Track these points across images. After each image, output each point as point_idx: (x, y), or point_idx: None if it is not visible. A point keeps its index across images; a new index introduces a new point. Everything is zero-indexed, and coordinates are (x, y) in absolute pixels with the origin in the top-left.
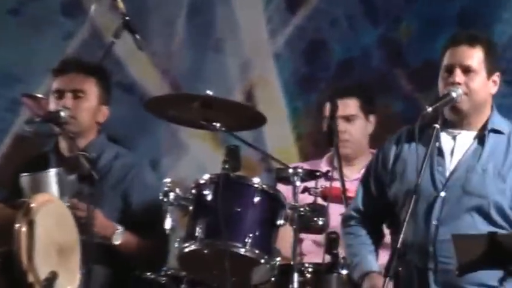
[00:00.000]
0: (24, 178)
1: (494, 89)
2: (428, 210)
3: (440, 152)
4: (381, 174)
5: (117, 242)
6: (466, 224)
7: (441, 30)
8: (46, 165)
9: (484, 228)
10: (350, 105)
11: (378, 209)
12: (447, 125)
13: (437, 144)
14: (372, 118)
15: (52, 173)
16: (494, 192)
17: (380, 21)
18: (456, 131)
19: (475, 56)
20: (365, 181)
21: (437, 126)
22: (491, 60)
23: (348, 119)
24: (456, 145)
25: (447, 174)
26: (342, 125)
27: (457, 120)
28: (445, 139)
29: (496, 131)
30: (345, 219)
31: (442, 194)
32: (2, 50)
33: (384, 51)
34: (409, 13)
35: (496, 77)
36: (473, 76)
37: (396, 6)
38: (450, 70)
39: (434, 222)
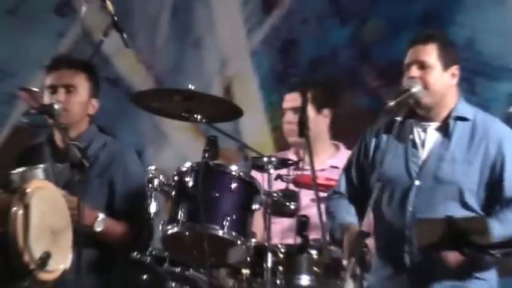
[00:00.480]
0: (14, 175)
1: (453, 81)
2: (403, 197)
3: (414, 144)
4: (363, 163)
5: (99, 229)
6: (440, 210)
7: (405, 31)
8: (41, 155)
9: (457, 212)
10: (297, 99)
11: (359, 196)
12: (419, 119)
13: (410, 136)
14: (326, 112)
15: (40, 169)
16: (463, 179)
17: (348, 22)
18: (426, 124)
19: (429, 52)
20: (347, 170)
21: (398, 119)
22: (446, 55)
23: (297, 110)
24: (427, 136)
25: (420, 164)
26: (289, 116)
27: (424, 113)
28: (417, 131)
29: (461, 118)
30: (329, 196)
31: (417, 182)
32: None
33: (351, 50)
34: (375, 14)
35: (454, 69)
36: (429, 71)
37: (363, 7)
38: (408, 67)
39: (410, 208)
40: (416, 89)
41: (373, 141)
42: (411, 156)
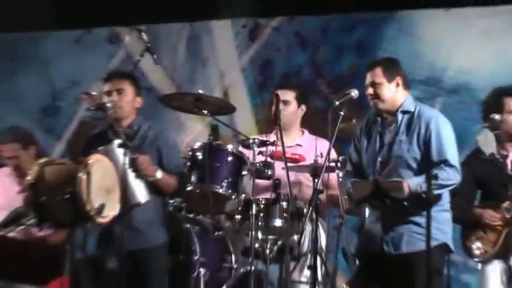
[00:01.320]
0: (100, 150)
1: (399, 88)
2: (374, 169)
3: (379, 134)
4: (357, 148)
5: (158, 176)
6: (394, 176)
7: (346, 55)
8: (107, 138)
9: (406, 176)
10: (288, 94)
11: (359, 171)
12: (381, 116)
13: (379, 128)
14: (303, 107)
15: (114, 144)
16: (407, 154)
17: (307, 48)
18: (385, 118)
19: (376, 74)
20: (350, 155)
21: (341, 113)
22: (389, 72)
23: (285, 102)
24: (386, 127)
25: (380, 146)
26: (281, 106)
27: (383, 112)
28: (381, 124)
29: (406, 112)
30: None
31: (379, 159)
32: (69, 66)
33: (310, 68)
34: (325, 43)
35: (398, 79)
36: (378, 86)
37: (316, 38)
38: (366, 87)
39: (374, 176)
40: (354, 93)
41: (359, 131)
42: (377, 141)
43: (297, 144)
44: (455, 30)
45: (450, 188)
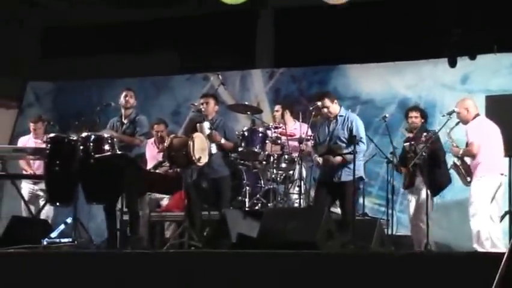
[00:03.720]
0: (198, 126)
1: (336, 105)
2: (325, 142)
3: (327, 126)
4: (318, 134)
5: (222, 142)
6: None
7: (314, 86)
8: (200, 124)
9: (342, 145)
10: (284, 106)
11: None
12: (328, 117)
13: (327, 124)
14: (292, 109)
15: (205, 124)
16: (342, 135)
17: (296, 82)
18: (330, 118)
19: (325, 100)
20: (315, 135)
21: (313, 113)
22: (330, 98)
23: (277, 111)
24: (331, 122)
25: (328, 134)
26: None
27: (330, 116)
28: (329, 121)
29: (341, 116)
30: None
31: (328, 137)
32: (183, 92)
33: (297, 92)
34: (304, 79)
35: (335, 101)
36: (329, 106)
37: (301, 77)
38: (321, 105)
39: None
40: (319, 104)
41: (319, 127)
42: (326, 129)
43: (294, 128)
44: (365, 74)
45: (362, 153)
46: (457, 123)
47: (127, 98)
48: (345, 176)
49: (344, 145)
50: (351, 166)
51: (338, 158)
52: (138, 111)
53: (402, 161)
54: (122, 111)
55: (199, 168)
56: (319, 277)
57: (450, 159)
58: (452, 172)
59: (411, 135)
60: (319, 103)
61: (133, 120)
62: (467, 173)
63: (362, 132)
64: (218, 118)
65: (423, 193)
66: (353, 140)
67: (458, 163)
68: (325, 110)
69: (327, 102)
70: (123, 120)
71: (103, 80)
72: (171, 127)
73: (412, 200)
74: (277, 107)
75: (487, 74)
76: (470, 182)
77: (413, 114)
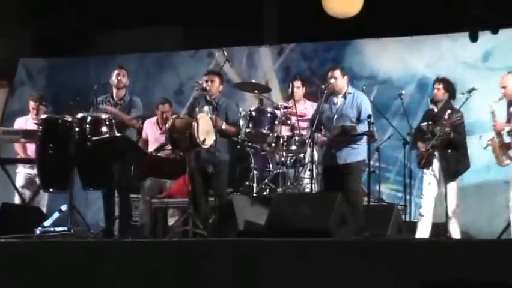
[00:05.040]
0: (197, 110)
1: (345, 81)
2: (331, 122)
3: (333, 103)
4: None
5: (224, 127)
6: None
7: (326, 63)
8: (203, 104)
9: (349, 124)
10: (297, 83)
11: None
12: (334, 93)
13: (334, 100)
14: (304, 89)
15: (205, 109)
16: (350, 114)
17: (307, 59)
18: (338, 95)
19: (337, 72)
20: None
21: (325, 92)
22: (342, 73)
23: (297, 87)
24: (338, 100)
25: (335, 110)
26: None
27: (337, 92)
28: (335, 99)
29: (349, 93)
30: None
31: (335, 117)
32: (187, 69)
33: (309, 70)
34: (316, 56)
35: (345, 78)
36: (337, 79)
37: (311, 54)
38: (330, 78)
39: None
40: (330, 82)
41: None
42: (332, 107)
43: (305, 108)
44: (381, 51)
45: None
46: (500, 99)
47: (119, 77)
48: (351, 157)
49: (353, 125)
50: (355, 146)
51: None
52: (131, 92)
53: (419, 135)
54: (114, 91)
55: (198, 152)
56: (332, 266)
57: (471, 141)
58: (474, 153)
59: (434, 107)
60: (329, 73)
61: (128, 102)
62: (503, 152)
63: (369, 111)
64: (221, 99)
65: (442, 175)
66: (361, 119)
67: (497, 140)
68: (332, 80)
69: (337, 73)
70: (116, 100)
71: (101, 56)
72: (174, 106)
73: (432, 183)
74: (298, 83)
75: (510, 49)
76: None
77: (436, 85)
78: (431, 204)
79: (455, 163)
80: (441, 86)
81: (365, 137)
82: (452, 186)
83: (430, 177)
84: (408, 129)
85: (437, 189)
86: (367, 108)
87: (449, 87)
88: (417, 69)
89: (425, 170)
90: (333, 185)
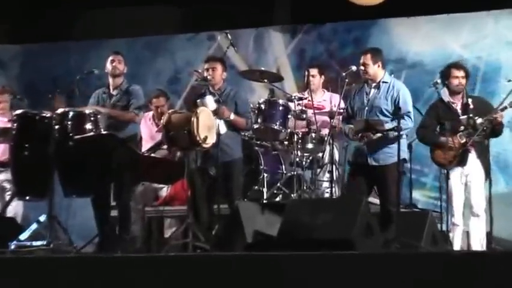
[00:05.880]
0: (199, 101)
1: (380, 68)
2: (362, 115)
3: (366, 93)
4: (351, 104)
5: (231, 118)
6: (374, 117)
7: (347, 45)
8: (204, 95)
9: (383, 119)
10: (314, 70)
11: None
12: (369, 82)
13: (366, 90)
14: (323, 77)
15: (208, 98)
16: (384, 105)
17: (324, 42)
18: (372, 84)
19: (367, 58)
20: (346, 105)
21: (346, 80)
22: (374, 57)
23: (313, 76)
24: (371, 90)
25: (367, 101)
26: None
27: (370, 81)
28: (368, 88)
29: (384, 82)
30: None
31: (366, 108)
32: (184, 53)
33: (327, 53)
34: (335, 39)
35: (380, 63)
36: (367, 65)
37: (330, 36)
38: (360, 65)
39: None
40: (354, 68)
41: (352, 95)
42: (364, 98)
43: (323, 100)
44: (412, 30)
45: (408, 129)
46: None
47: (114, 64)
48: (386, 157)
49: (386, 119)
50: (392, 145)
51: (378, 135)
52: (129, 80)
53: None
54: (110, 80)
55: (205, 151)
56: (356, 284)
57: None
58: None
59: (450, 99)
60: (361, 60)
61: (126, 91)
62: None
63: (409, 105)
64: (227, 88)
65: (479, 176)
66: (397, 113)
67: None
68: (362, 68)
69: (368, 59)
70: (111, 91)
71: (85, 41)
72: (170, 99)
73: (463, 183)
74: (314, 71)
75: None
76: None
77: (458, 72)
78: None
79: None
80: (464, 73)
81: (404, 136)
82: (484, 188)
83: (462, 178)
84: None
85: (470, 192)
86: (406, 102)
87: (468, 73)
88: (454, 51)
89: (455, 170)
90: (362, 189)
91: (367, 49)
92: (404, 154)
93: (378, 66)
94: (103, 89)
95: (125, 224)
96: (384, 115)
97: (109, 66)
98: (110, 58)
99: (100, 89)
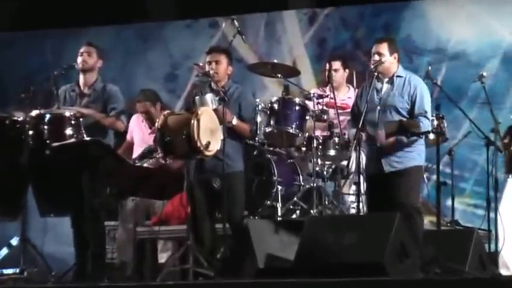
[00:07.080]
0: (197, 99)
1: (395, 60)
2: (373, 115)
3: (378, 89)
4: (358, 104)
5: (234, 123)
6: (390, 118)
7: (376, 32)
8: (205, 93)
9: (396, 118)
10: (336, 63)
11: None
12: (380, 77)
13: (378, 85)
14: (347, 70)
15: (208, 96)
16: (400, 104)
17: (349, 29)
18: (383, 79)
19: (382, 47)
20: (352, 105)
21: (375, 74)
22: (391, 48)
23: (335, 70)
24: (383, 85)
25: (379, 99)
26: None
27: (382, 75)
28: (380, 83)
29: (399, 76)
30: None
31: (378, 108)
32: (183, 44)
33: (351, 42)
34: (361, 25)
35: (395, 54)
36: (383, 56)
37: (355, 21)
38: (373, 55)
39: (376, 121)
40: (376, 63)
41: (360, 92)
42: (375, 95)
43: (348, 97)
44: (454, 13)
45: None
46: None
47: (83, 57)
48: (404, 161)
49: (404, 119)
50: (409, 150)
51: (391, 139)
52: (117, 76)
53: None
54: (80, 76)
55: (201, 160)
56: None
57: None
58: None
59: None
60: (374, 49)
61: (102, 91)
62: None
63: (427, 104)
64: (232, 86)
65: None
66: (415, 114)
67: None
68: (376, 57)
69: (385, 48)
70: (82, 89)
71: (63, 30)
72: (165, 98)
73: None
74: (336, 64)
75: None
76: None
77: None
78: None
79: None
80: None
81: (422, 141)
82: None
83: None
84: (493, 124)
85: None
86: (424, 100)
87: None
88: (503, 38)
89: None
90: (378, 202)
91: (383, 37)
92: (422, 160)
93: (395, 58)
94: (70, 85)
95: (99, 250)
96: (401, 115)
97: (78, 60)
98: (81, 50)
99: (67, 86)
